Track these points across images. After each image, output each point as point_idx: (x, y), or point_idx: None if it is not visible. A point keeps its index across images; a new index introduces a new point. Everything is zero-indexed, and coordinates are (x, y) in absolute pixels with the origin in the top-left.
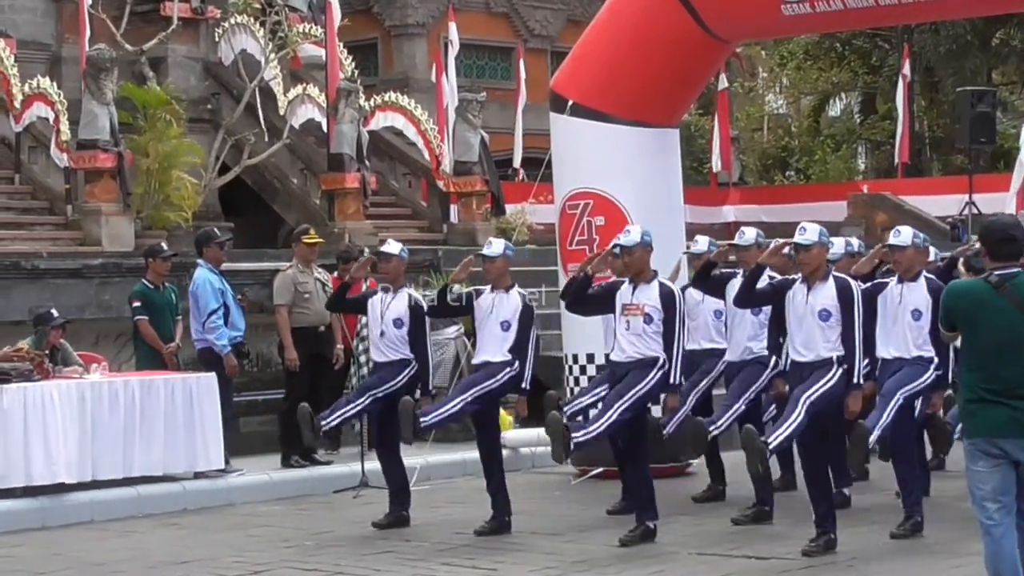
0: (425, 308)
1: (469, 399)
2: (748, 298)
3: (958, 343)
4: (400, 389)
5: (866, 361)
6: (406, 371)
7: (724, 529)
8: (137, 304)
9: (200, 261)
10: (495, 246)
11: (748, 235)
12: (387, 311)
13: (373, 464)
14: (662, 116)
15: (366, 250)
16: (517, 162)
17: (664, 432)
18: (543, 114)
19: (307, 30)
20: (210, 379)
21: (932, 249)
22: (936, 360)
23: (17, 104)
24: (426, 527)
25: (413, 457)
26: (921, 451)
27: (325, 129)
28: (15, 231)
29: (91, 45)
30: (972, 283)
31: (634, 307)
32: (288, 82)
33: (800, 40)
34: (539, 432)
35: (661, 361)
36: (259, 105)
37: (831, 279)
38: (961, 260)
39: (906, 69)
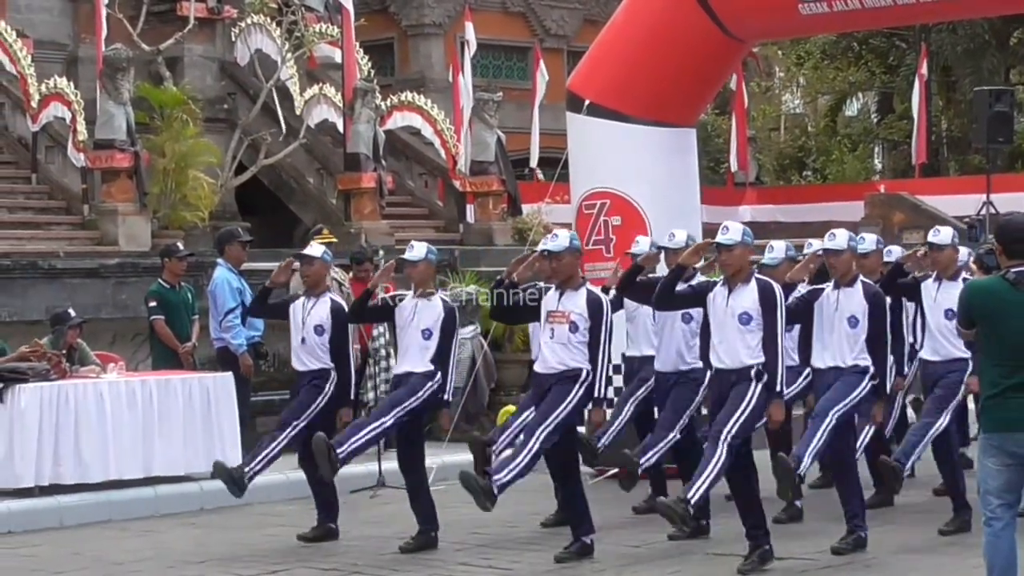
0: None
1: (389, 422)
2: (667, 300)
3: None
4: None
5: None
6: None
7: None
8: (153, 304)
9: (220, 260)
10: (417, 250)
11: (678, 237)
12: (308, 317)
13: (390, 464)
14: (679, 116)
15: (380, 251)
16: (534, 162)
17: (598, 445)
18: (560, 114)
19: (323, 30)
20: (227, 379)
21: (895, 249)
22: (872, 370)
23: (34, 104)
24: (442, 527)
25: (430, 457)
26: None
27: (341, 129)
28: (32, 231)
29: (108, 45)
30: (991, 280)
31: (559, 314)
32: (304, 82)
33: (817, 39)
34: None
35: (584, 374)
36: (276, 105)
37: (753, 281)
38: (972, 258)
39: (923, 68)
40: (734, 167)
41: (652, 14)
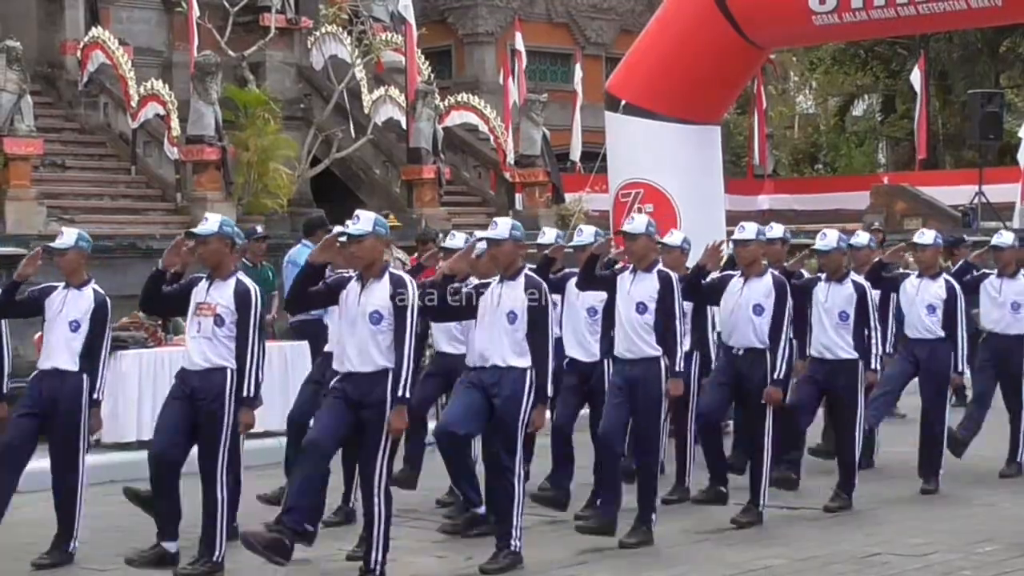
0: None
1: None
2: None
3: None
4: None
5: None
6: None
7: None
8: None
9: (304, 241)
10: (66, 236)
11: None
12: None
13: None
14: (705, 114)
15: (440, 233)
16: (575, 156)
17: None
18: (599, 113)
19: (389, 38)
20: (303, 347)
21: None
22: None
23: (134, 104)
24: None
25: None
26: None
27: (404, 126)
28: (132, 216)
29: (198, 52)
30: None
31: (206, 306)
32: (372, 84)
33: (828, 47)
34: None
35: (229, 376)
36: (347, 105)
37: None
38: None
39: (922, 73)
40: (756, 161)
41: (682, 24)
